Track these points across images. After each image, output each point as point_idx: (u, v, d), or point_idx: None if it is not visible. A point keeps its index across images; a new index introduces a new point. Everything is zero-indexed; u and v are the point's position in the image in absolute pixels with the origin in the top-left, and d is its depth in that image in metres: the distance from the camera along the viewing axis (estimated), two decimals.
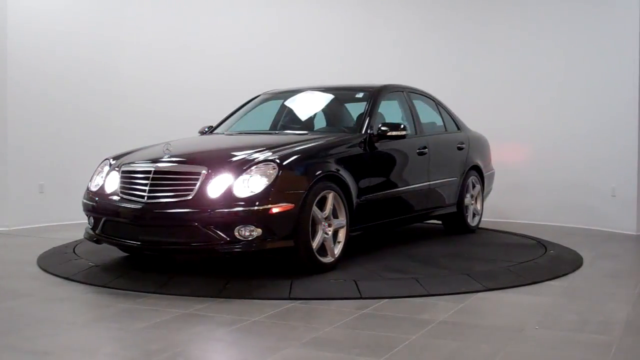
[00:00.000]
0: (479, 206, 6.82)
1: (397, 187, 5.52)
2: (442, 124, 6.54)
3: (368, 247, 5.69)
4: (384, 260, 5.15)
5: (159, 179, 4.50)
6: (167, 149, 4.76)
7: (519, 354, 3.15)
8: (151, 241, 4.49)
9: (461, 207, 6.47)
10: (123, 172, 4.74)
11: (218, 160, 4.55)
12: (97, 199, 4.80)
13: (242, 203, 4.24)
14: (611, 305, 4.17)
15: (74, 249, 5.52)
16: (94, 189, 4.92)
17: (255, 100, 6.39)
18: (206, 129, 6.11)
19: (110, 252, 5.30)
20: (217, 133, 5.98)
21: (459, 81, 7.84)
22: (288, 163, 4.49)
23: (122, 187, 4.67)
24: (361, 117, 5.50)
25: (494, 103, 7.77)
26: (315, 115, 6.02)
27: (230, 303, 4.03)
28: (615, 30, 7.17)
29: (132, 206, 4.49)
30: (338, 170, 4.78)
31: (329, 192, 4.65)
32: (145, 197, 4.46)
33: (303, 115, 6.02)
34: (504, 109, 7.72)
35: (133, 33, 8.18)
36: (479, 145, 6.93)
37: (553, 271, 4.94)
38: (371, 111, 5.48)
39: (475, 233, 6.65)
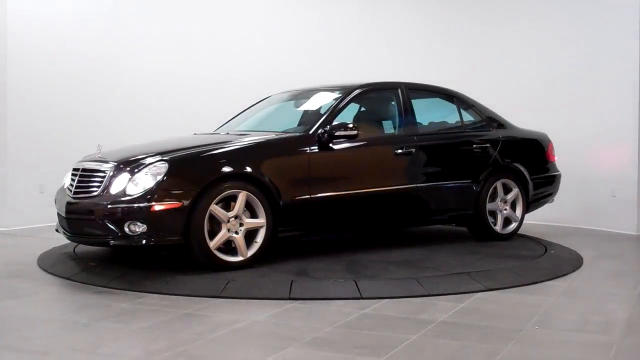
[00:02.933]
0: (518, 212, 6.23)
1: (354, 189, 5.27)
2: (459, 122, 6.20)
3: (310, 249, 5.58)
4: (310, 262, 4.98)
5: (83, 176, 4.90)
6: (98, 149, 5.12)
7: (519, 354, 3.15)
8: (77, 233, 4.82)
9: (482, 213, 5.99)
10: (72, 169, 5.15)
11: (125, 160, 4.79)
12: (59, 194, 5.25)
13: (131, 200, 4.49)
14: (611, 305, 4.17)
15: (74, 249, 5.53)
16: (61, 184, 5.31)
17: (265, 101, 6.36)
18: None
19: (110, 252, 5.31)
20: (215, 133, 6.02)
21: (459, 78, 7.81)
22: (179, 162, 4.68)
23: (68, 184, 5.06)
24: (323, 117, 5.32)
25: (493, 104, 7.76)
26: (300, 114, 5.90)
27: (230, 303, 4.04)
28: (615, 31, 7.17)
29: (64, 201, 4.91)
30: (253, 170, 4.78)
31: (239, 192, 4.68)
32: (72, 193, 4.88)
33: (286, 116, 5.97)
34: (503, 109, 7.71)
35: (135, 33, 8.18)
36: (522, 146, 6.43)
37: (553, 271, 4.94)
38: (331, 111, 5.35)
39: (475, 238, 6.13)
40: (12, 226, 7.02)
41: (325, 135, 5.16)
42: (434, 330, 3.50)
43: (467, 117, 6.33)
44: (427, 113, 6.15)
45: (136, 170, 4.61)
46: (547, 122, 7.55)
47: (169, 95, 8.28)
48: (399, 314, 3.81)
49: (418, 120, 5.88)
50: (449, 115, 6.28)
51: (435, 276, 4.62)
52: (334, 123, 5.22)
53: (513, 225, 6.22)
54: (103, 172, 4.75)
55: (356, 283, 4.34)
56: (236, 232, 4.70)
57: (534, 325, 3.61)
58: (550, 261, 5.26)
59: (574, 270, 5.07)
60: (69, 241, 5.74)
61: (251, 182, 4.77)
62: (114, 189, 4.60)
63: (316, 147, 5.13)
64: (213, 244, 4.60)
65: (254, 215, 4.78)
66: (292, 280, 4.36)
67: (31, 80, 7.22)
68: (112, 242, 4.56)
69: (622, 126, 7.07)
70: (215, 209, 4.60)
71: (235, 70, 8.36)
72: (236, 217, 4.69)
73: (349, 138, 5.21)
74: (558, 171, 6.73)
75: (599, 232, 7.08)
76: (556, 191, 6.72)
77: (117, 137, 7.55)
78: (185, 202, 4.49)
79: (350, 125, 5.16)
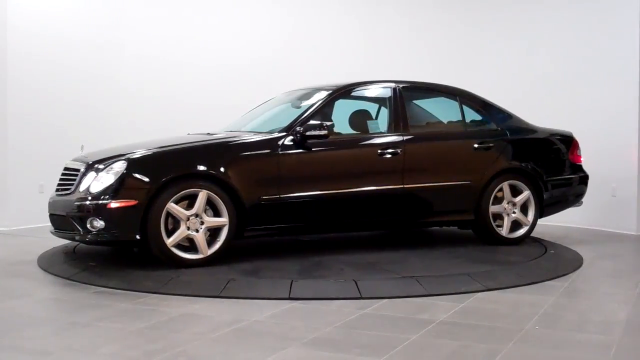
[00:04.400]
0: (530, 215, 5.88)
1: (329, 189, 5.17)
2: (460, 121, 5.95)
3: (285, 249, 5.59)
4: (270, 262, 4.97)
5: (64, 174, 5.13)
6: (81, 149, 5.32)
7: (519, 354, 3.15)
8: (57, 228, 5.04)
9: (484, 215, 5.71)
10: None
11: (96, 159, 4.94)
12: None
13: (92, 197, 4.67)
14: (611, 305, 4.17)
15: (74, 249, 5.53)
16: None
17: (272, 100, 6.31)
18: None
19: (110, 252, 5.31)
20: (208, 133, 5.99)
21: (459, 77, 7.79)
22: (137, 162, 4.79)
23: None
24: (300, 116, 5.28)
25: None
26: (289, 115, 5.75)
27: (230, 303, 4.04)
28: (616, 30, 7.18)
29: (50, 199, 5.16)
30: (213, 169, 4.81)
31: (199, 191, 4.72)
32: (55, 190, 5.13)
33: (289, 116, 5.83)
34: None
35: (135, 32, 8.19)
36: (536, 145, 6.14)
37: (553, 271, 4.94)
38: (310, 111, 5.29)
39: (481, 242, 5.87)
40: (12, 226, 7.02)
41: (298, 135, 5.11)
42: (434, 330, 3.50)
43: (473, 116, 6.10)
44: (425, 112, 6.06)
45: (101, 169, 4.77)
46: (547, 122, 7.55)
47: (173, 95, 8.28)
48: (399, 314, 3.81)
49: (412, 119, 5.72)
50: (450, 114, 6.10)
51: (435, 276, 4.62)
52: (311, 122, 5.15)
53: (523, 230, 5.87)
54: (75, 170, 4.97)
55: (356, 283, 4.33)
56: (196, 230, 4.75)
57: (534, 325, 3.61)
58: (550, 261, 5.26)
59: (574, 270, 5.07)
60: (67, 240, 5.77)
61: (213, 181, 4.81)
62: (82, 187, 4.79)
63: (288, 147, 5.08)
64: (170, 241, 4.68)
65: (219, 214, 4.82)
66: (292, 280, 4.37)
67: (32, 81, 7.23)
68: (77, 237, 4.79)
69: (623, 126, 7.07)
70: (173, 207, 4.68)
71: (245, 67, 8.34)
72: (197, 215, 4.74)
73: (320, 138, 5.12)
74: (583, 172, 6.37)
75: (599, 232, 7.08)
76: (583, 193, 6.36)
77: (117, 137, 7.57)
78: (141, 200, 4.61)
79: (326, 125, 5.09)
